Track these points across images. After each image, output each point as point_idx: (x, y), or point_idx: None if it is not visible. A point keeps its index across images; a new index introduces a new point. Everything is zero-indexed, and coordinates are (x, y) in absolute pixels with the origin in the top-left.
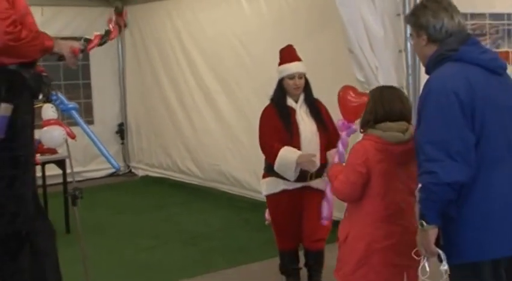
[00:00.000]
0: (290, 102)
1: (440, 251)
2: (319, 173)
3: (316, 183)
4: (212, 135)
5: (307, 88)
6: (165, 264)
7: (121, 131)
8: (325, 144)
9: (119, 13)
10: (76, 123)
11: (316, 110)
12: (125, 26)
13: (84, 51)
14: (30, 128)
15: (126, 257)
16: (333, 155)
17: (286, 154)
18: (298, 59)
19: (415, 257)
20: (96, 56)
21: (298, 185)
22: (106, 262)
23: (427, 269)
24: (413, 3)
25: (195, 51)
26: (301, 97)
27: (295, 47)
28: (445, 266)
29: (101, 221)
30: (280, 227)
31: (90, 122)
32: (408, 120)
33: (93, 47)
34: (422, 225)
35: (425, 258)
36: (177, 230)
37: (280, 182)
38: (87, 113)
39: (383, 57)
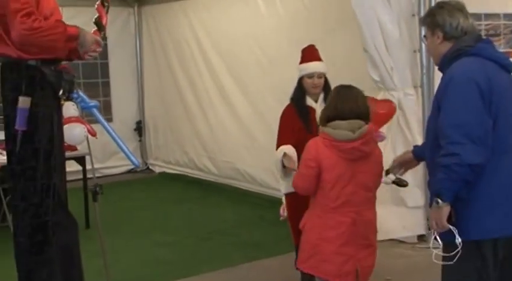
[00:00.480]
0: (309, 101)
1: (452, 227)
2: None
3: None
4: (228, 133)
5: (327, 88)
6: (182, 259)
7: (139, 128)
8: None
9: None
10: (97, 121)
11: None
12: None
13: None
14: (53, 122)
15: (144, 252)
16: None
17: (278, 152)
18: (319, 59)
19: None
20: (115, 55)
21: None
22: (124, 256)
23: (439, 242)
24: (429, 4)
25: (211, 50)
26: (321, 97)
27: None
28: (458, 239)
29: (119, 216)
30: (298, 225)
31: (109, 119)
32: (364, 119)
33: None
34: (437, 202)
35: (435, 232)
36: (194, 226)
37: None
38: (106, 111)
39: (398, 57)
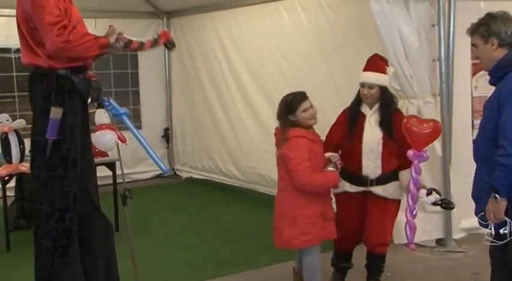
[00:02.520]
0: (364, 108)
1: (508, 219)
2: (380, 181)
3: (377, 190)
4: (252, 139)
5: (384, 98)
6: (207, 261)
7: (167, 135)
8: (388, 153)
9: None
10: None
11: (388, 120)
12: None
13: (127, 45)
14: (80, 129)
15: (171, 254)
16: (406, 177)
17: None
18: (374, 69)
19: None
20: (145, 64)
21: (360, 189)
22: (153, 258)
23: (493, 233)
24: (448, 15)
25: (237, 59)
26: (376, 106)
27: (332, 55)
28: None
29: (147, 220)
30: (340, 227)
31: (138, 127)
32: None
33: (133, 48)
34: (495, 197)
35: (492, 224)
36: (219, 229)
37: (344, 184)
38: (136, 118)
39: (418, 66)
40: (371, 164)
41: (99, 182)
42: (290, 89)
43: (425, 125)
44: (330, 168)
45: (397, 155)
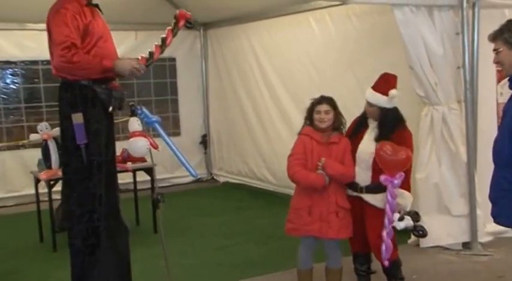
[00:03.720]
0: (370, 119)
1: None
2: (369, 189)
3: (367, 197)
4: (284, 144)
5: (383, 118)
6: (238, 262)
7: (204, 141)
8: (379, 167)
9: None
10: (163, 135)
11: (385, 138)
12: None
13: (151, 61)
14: (104, 135)
15: (205, 255)
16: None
17: None
18: (376, 89)
19: None
20: (183, 74)
21: (353, 194)
22: (188, 258)
23: None
24: (472, 24)
25: (269, 68)
26: (375, 124)
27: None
28: None
29: (185, 222)
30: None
31: (177, 133)
32: None
33: (158, 56)
34: None
35: None
36: (252, 232)
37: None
38: (175, 125)
39: (442, 74)
40: (362, 173)
41: (138, 187)
42: (318, 94)
43: (397, 152)
44: (319, 171)
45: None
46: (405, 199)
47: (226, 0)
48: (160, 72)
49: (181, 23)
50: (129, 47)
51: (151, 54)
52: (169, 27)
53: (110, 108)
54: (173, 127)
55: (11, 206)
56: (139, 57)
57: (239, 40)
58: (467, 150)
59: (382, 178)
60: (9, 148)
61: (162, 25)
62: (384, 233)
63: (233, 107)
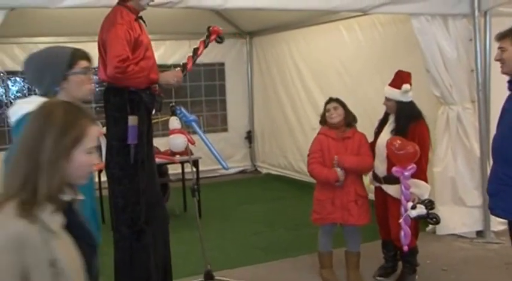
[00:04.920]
0: (391, 115)
1: None
2: (387, 180)
3: (386, 188)
4: None
5: (399, 111)
6: (270, 246)
7: (249, 137)
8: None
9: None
10: (199, 132)
11: (401, 130)
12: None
13: (186, 72)
14: (146, 135)
15: (242, 239)
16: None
17: None
18: (392, 85)
19: None
20: (231, 77)
21: (377, 184)
22: (227, 241)
23: None
24: (484, 31)
25: (305, 71)
26: (392, 117)
27: (384, 67)
28: None
29: (227, 209)
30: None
31: (225, 129)
32: None
33: (191, 67)
34: None
35: None
36: (285, 219)
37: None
38: (223, 122)
39: (457, 76)
40: (379, 165)
41: (186, 177)
42: (349, 95)
43: (405, 146)
44: (335, 167)
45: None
46: (420, 189)
47: (269, 12)
48: (211, 75)
49: (213, 37)
50: (183, 54)
51: (184, 65)
52: (202, 39)
53: (154, 111)
54: (221, 124)
55: None
56: (177, 69)
57: (280, 46)
58: (481, 146)
59: (394, 169)
60: None
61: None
62: (401, 221)
63: (274, 106)
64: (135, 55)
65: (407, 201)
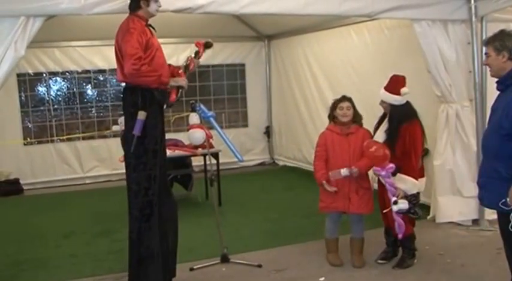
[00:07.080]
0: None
1: None
2: None
3: (384, 180)
4: None
5: (392, 113)
6: (282, 232)
7: (267, 132)
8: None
9: (209, 46)
10: (217, 127)
11: (392, 130)
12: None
13: (188, 72)
14: (157, 129)
15: (256, 225)
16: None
17: None
18: (386, 88)
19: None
20: (250, 77)
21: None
22: (242, 227)
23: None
24: (481, 35)
25: (318, 71)
26: (386, 119)
27: (389, 67)
28: None
29: (245, 197)
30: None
31: (245, 125)
32: None
33: (193, 68)
34: None
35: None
36: (297, 207)
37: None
38: (243, 118)
39: (455, 77)
40: None
41: (208, 169)
42: (356, 93)
43: (377, 150)
44: (342, 169)
45: (396, 159)
46: (406, 184)
47: (286, 17)
48: (232, 75)
49: (201, 50)
50: (205, 56)
51: (186, 67)
52: (191, 56)
53: (165, 106)
54: (242, 120)
55: (114, 181)
56: (180, 71)
57: (295, 49)
58: (477, 141)
59: (374, 169)
60: (114, 136)
61: (232, 38)
62: (394, 215)
63: (290, 103)
64: (146, 54)
65: (393, 196)
